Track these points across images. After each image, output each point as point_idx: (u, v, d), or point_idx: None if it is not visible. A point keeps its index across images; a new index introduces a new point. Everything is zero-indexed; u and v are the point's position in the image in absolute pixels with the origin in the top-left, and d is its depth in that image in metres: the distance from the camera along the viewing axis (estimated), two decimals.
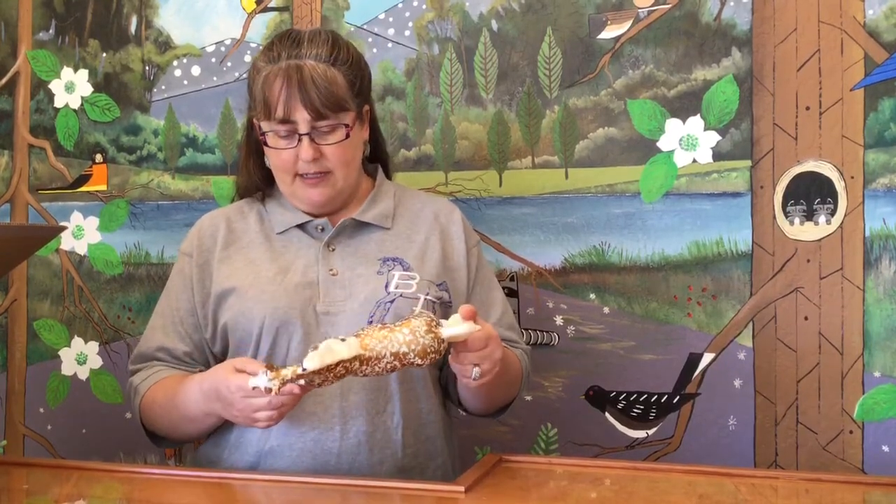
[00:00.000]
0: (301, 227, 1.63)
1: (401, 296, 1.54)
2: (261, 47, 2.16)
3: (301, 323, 1.53)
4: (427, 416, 1.60)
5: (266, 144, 1.56)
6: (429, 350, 1.29)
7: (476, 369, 1.37)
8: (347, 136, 1.55)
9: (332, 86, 1.52)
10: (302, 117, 1.52)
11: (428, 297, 1.40)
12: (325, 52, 1.54)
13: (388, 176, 1.74)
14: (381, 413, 1.54)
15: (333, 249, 1.60)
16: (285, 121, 1.52)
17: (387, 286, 1.55)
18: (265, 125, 1.55)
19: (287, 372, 1.25)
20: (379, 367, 1.28)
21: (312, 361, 1.24)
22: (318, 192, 1.58)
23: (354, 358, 1.26)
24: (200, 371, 1.60)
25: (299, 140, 1.53)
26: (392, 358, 1.28)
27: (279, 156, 1.56)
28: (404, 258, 1.60)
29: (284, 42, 1.56)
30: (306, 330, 1.53)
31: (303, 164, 1.55)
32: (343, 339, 1.27)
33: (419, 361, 1.29)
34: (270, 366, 1.26)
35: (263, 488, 1.42)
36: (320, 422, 1.52)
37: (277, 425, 1.45)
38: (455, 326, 1.32)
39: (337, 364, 1.25)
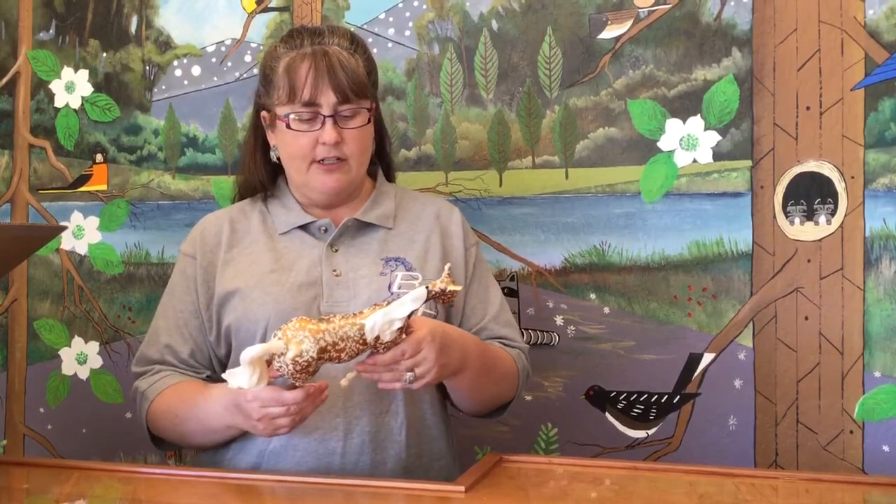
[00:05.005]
0: (304, 227, 1.63)
1: None
2: (261, 47, 2.18)
3: None
4: (430, 418, 1.60)
5: (288, 127, 1.56)
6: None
7: (409, 374, 1.39)
8: (369, 119, 1.58)
9: (357, 71, 1.56)
10: (327, 100, 1.54)
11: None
12: (346, 41, 1.59)
13: (392, 179, 1.74)
14: (385, 413, 1.54)
15: (337, 250, 1.60)
16: (309, 103, 1.54)
17: (390, 287, 1.55)
18: (285, 109, 1.56)
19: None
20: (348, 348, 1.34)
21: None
22: (334, 179, 1.58)
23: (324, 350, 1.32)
24: (208, 377, 1.60)
25: (322, 123, 1.54)
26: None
27: (297, 140, 1.56)
28: (406, 258, 1.60)
29: (305, 32, 1.60)
30: None
31: (322, 149, 1.56)
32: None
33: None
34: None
35: (265, 488, 1.42)
36: (324, 422, 1.51)
37: None
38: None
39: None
